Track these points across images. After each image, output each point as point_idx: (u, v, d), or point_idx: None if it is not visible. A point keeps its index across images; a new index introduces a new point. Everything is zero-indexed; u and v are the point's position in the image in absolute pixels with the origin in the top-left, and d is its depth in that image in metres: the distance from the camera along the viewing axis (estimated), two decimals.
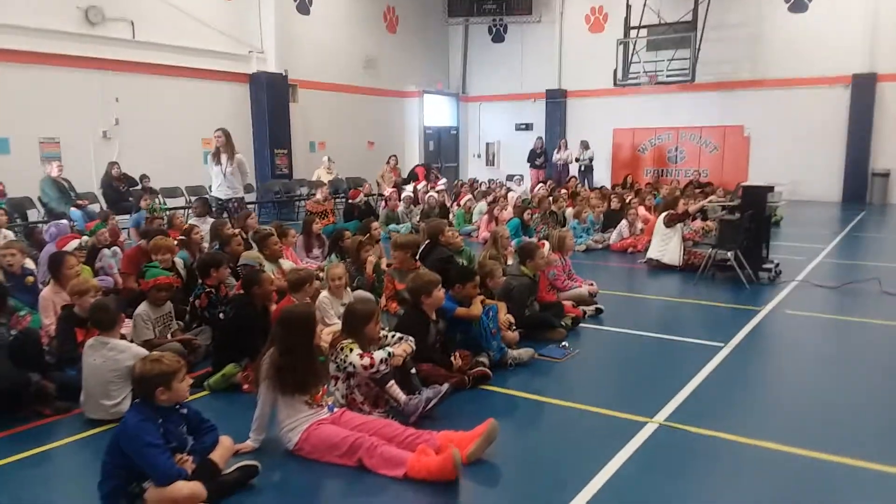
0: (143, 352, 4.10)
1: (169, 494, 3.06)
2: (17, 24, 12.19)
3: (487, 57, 23.21)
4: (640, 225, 10.95)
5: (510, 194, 13.48)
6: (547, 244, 6.96)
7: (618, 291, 7.91)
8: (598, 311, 6.77)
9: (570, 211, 11.85)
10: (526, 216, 10.76)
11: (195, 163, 15.67)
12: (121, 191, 12.65)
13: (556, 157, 19.67)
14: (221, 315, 5.45)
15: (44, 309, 5.65)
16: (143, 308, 5.20)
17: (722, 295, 7.69)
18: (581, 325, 6.35)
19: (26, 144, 12.78)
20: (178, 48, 14.98)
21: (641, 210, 11.45)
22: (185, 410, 3.41)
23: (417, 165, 17.58)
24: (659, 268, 9.12)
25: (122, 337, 4.76)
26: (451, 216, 12.61)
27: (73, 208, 11.31)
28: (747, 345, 5.83)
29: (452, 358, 4.79)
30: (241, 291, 5.17)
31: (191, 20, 15.20)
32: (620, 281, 8.87)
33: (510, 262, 6.70)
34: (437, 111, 22.88)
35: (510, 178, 20.17)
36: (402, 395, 4.14)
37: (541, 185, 15.67)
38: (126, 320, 5.23)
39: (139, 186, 12.83)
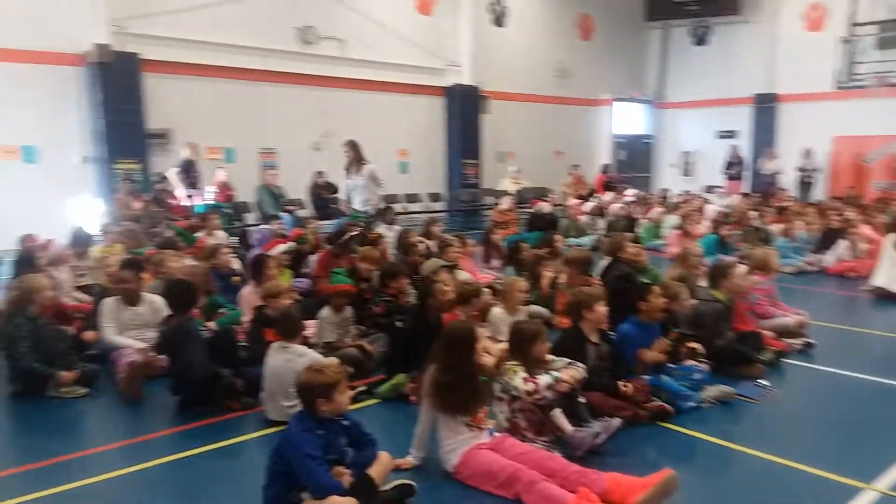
0: (322, 358, 4.23)
1: None
2: (243, 44, 13.60)
3: (688, 61, 21.81)
4: (862, 246, 9.53)
5: (706, 207, 12.42)
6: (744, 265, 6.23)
7: (833, 323, 6.88)
8: (808, 345, 5.91)
9: (776, 227, 10.64)
10: (724, 232, 9.82)
11: (391, 172, 16.43)
12: (324, 197, 13.58)
13: (765, 167, 17.93)
14: (398, 324, 5.51)
15: (242, 307, 6.13)
16: (325, 312, 5.46)
17: None
18: (785, 360, 5.57)
19: (248, 154, 14.22)
20: (381, 64, 15.81)
21: (866, 229, 9.96)
22: (346, 422, 3.41)
23: (598, 175, 16.95)
24: (887, 297, 7.83)
25: (306, 340, 4.99)
26: (638, 229, 11.93)
27: (283, 213, 12.35)
28: None
29: (622, 386, 4.38)
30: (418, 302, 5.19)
31: (394, 37, 15.98)
32: (837, 311, 7.76)
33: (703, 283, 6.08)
34: (630, 119, 21.99)
35: (709, 189, 18.71)
36: (567, 426, 3.86)
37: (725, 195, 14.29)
38: (311, 321, 5.54)
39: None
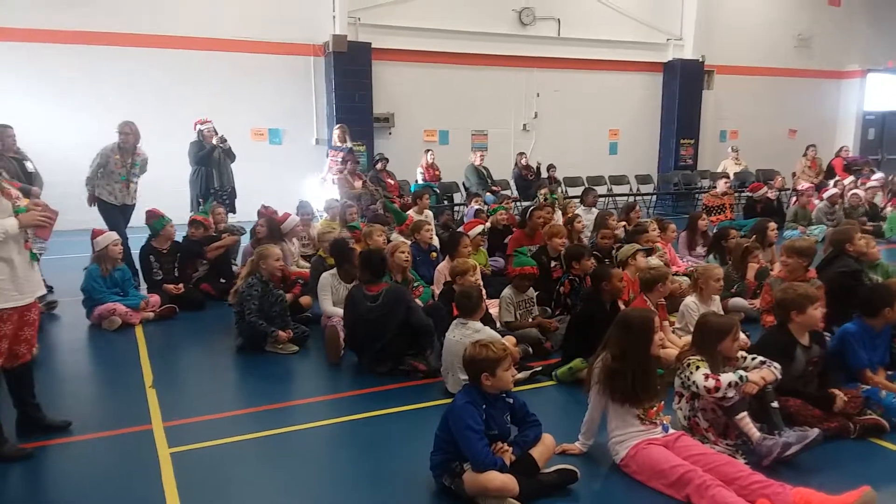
0: (496, 336, 4.32)
1: (481, 481, 3.13)
2: (464, 29, 14.06)
3: None
4: None
5: None
6: None
7: None
8: None
9: None
10: None
11: (600, 153, 16.10)
12: (528, 179, 13.65)
13: None
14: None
15: (437, 281, 6.43)
16: (507, 291, 5.53)
17: None
18: None
19: (461, 136, 14.77)
20: (598, 42, 15.42)
21: None
22: (511, 400, 3.45)
23: (836, 157, 14.86)
24: None
25: (488, 317, 5.10)
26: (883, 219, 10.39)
27: (487, 193, 12.66)
28: None
29: (837, 397, 3.87)
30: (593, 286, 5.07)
31: (613, 13, 15.47)
32: None
33: None
34: (884, 93, 18.97)
35: None
36: (755, 432, 3.52)
37: None
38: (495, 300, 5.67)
39: (546, 176, 13.66)
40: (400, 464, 3.69)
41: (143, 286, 7.13)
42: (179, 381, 5.14)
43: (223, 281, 7.41)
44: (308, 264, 7.57)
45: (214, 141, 9.24)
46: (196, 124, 9.44)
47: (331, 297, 5.88)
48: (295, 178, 12.20)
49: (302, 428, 4.20)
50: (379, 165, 12.18)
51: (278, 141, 13.46)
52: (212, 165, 9.30)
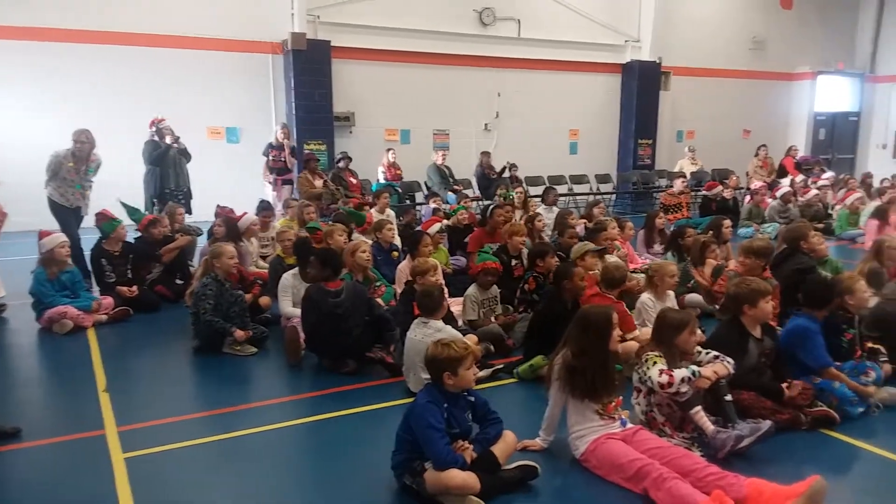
0: (458, 334, 4.32)
1: (442, 480, 3.13)
2: (423, 28, 13.99)
3: None
4: None
5: None
6: None
7: None
8: None
9: None
10: None
11: (561, 153, 16.26)
12: (490, 178, 13.70)
13: None
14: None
15: (398, 280, 6.41)
16: (471, 290, 5.54)
17: None
18: None
19: (422, 136, 14.72)
20: (557, 43, 15.51)
21: None
22: (472, 398, 3.45)
23: (786, 156, 15.31)
24: None
25: (450, 316, 5.11)
26: (833, 217, 10.73)
27: (449, 192, 12.67)
28: None
29: (785, 387, 3.98)
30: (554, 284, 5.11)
31: (572, 15, 15.59)
32: None
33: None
34: (834, 95, 19.62)
35: None
36: (709, 426, 3.59)
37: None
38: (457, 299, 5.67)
39: (507, 175, 13.73)
40: (361, 464, 3.66)
41: (96, 288, 6.94)
42: (133, 385, 5.00)
43: (181, 282, 7.27)
44: (267, 265, 7.47)
45: (168, 140, 9.06)
46: (152, 123, 9.24)
47: (291, 297, 5.81)
48: (253, 178, 12.02)
49: (261, 430, 4.13)
50: (342, 164, 12.10)
51: (236, 140, 13.23)
52: (167, 165, 9.11)
